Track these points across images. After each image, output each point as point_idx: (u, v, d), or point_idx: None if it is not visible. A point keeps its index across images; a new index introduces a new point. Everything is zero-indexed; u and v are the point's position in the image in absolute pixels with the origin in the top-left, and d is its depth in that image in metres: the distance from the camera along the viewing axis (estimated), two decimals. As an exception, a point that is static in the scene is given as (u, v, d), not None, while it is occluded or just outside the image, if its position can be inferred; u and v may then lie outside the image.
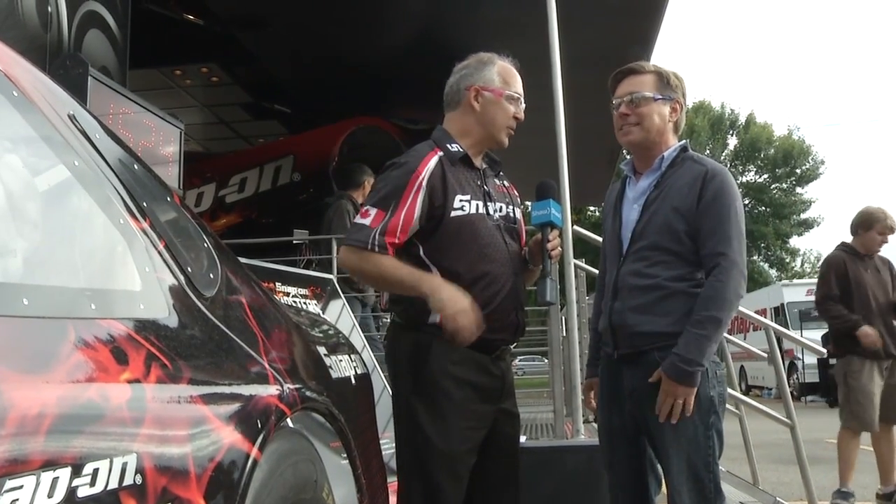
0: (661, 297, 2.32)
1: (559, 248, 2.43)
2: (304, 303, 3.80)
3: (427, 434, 2.19)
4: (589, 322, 2.61)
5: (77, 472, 1.02)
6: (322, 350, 2.16)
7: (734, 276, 2.24)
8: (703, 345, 2.21)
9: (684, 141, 2.51)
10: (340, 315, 4.05)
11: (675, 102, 2.46)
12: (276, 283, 3.66)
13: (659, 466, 2.43)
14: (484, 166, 2.45)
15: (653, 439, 2.34)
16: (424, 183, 2.25)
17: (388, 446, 2.48)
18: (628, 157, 2.63)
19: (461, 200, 2.29)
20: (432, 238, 2.27)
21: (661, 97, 2.43)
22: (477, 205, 2.32)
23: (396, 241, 2.23)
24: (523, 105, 2.43)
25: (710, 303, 2.23)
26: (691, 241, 2.32)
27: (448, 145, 2.35)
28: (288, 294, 3.71)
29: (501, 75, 2.41)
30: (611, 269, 2.48)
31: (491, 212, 2.35)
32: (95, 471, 1.05)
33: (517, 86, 2.43)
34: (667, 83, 2.44)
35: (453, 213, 2.27)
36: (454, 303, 2.15)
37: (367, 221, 2.23)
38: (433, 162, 2.29)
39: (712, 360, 2.30)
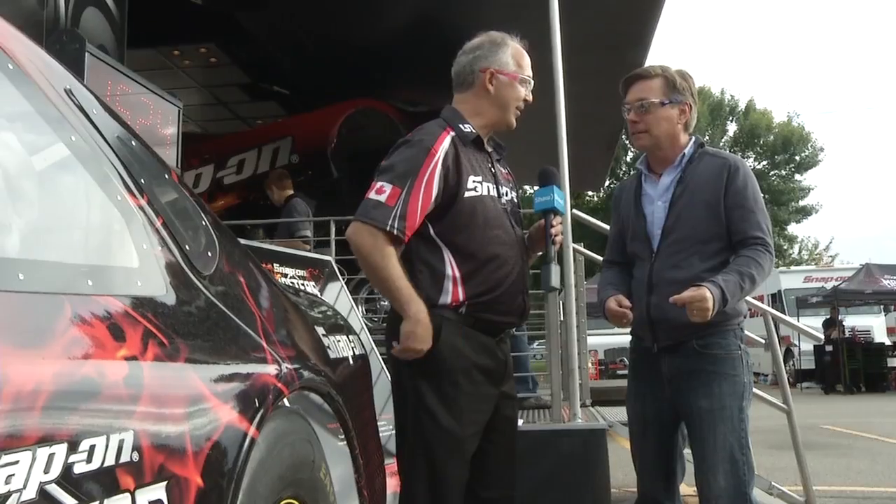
0: None
1: (562, 235, 2.43)
2: (303, 284, 3.78)
3: (436, 417, 2.17)
4: (601, 284, 2.63)
5: (73, 448, 1.02)
6: (320, 330, 2.15)
7: (769, 258, 2.42)
8: (738, 294, 2.33)
9: (697, 137, 2.59)
10: (339, 296, 4.04)
11: (683, 104, 2.52)
12: (274, 265, 3.64)
13: (685, 455, 2.54)
14: (490, 149, 2.43)
15: (690, 422, 2.43)
16: (440, 163, 2.22)
17: (385, 428, 2.48)
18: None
19: (474, 181, 2.27)
20: (444, 218, 2.24)
21: (668, 101, 2.49)
22: (488, 187, 2.31)
23: (415, 226, 2.21)
24: (531, 86, 2.42)
25: (753, 265, 2.36)
26: (723, 231, 2.44)
27: (461, 125, 2.33)
28: (286, 275, 3.70)
29: (515, 58, 2.38)
30: (641, 265, 2.53)
31: (500, 195, 2.35)
32: (92, 447, 1.05)
33: (529, 68, 2.42)
34: (674, 87, 2.50)
35: (466, 194, 2.25)
36: (417, 340, 2.14)
37: (382, 198, 2.17)
38: (447, 141, 2.26)
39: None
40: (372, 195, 2.19)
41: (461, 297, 2.22)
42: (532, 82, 2.41)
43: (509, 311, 2.31)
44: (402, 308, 2.16)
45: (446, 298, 2.21)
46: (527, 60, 2.42)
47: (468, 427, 2.20)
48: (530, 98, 2.41)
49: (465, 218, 2.25)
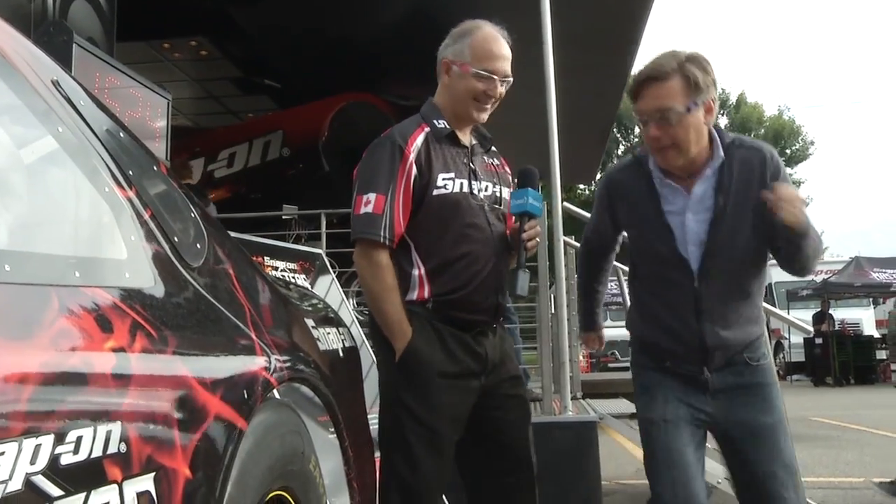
0: (753, 305, 2.27)
1: (536, 240, 2.33)
2: (293, 277, 3.78)
3: (411, 411, 2.17)
4: (578, 288, 2.52)
5: (60, 439, 1.01)
6: (310, 322, 2.15)
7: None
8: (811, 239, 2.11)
9: (717, 128, 2.18)
10: (329, 289, 4.04)
11: (708, 101, 2.08)
12: (265, 258, 3.65)
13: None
14: (473, 143, 2.38)
15: (745, 438, 2.16)
16: (413, 162, 2.20)
17: (376, 421, 2.48)
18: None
19: (444, 179, 2.23)
20: (414, 217, 2.22)
21: (693, 104, 2.05)
22: (461, 183, 2.26)
23: (401, 231, 2.20)
24: (501, 81, 2.29)
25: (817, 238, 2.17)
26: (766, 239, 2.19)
27: (435, 121, 2.29)
28: (277, 268, 3.70)
29: (473, 49, 2.26)
30: (674, 288, 2.20)
31: (475, 191, 2.29)
32: (79, 438, 1.04)
33: (491, 62, 2.26)
34: (696, 85, 2.04)
35: (435, 192, 2.22)
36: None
37: (370, 209, 2.16)
38: (420, 139, 2.24)
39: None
40: (362, 209, 2.18)
41: (426, 294, 2.21)
42: (494, 77, 2.27)
43: (479, 310, 2.25)
44: (395, 339, 2.19)
45: (412, 295, 2.21)
46: (492, 53, 2.27)
47: (444, 421, 2.18)
48: (494, 93, 2.29)
49: (433, 215, 2.22)
